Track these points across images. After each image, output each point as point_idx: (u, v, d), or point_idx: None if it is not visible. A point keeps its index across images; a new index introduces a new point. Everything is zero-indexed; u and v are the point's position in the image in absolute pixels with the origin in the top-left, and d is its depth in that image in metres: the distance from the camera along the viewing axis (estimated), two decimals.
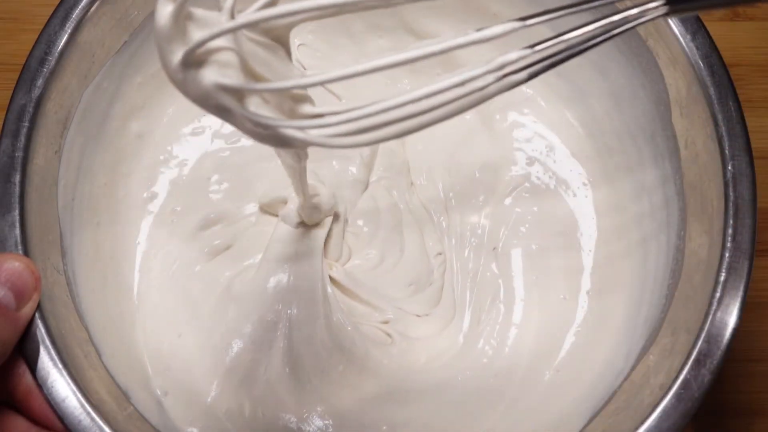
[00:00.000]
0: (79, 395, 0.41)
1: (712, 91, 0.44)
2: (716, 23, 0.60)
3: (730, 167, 0.43)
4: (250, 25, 0.31)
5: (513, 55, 0.30)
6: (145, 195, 0.54)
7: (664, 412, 0.40)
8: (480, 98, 0.30)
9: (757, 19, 0.62)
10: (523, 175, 0.56)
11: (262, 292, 0.51)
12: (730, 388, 0.54)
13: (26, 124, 0.45)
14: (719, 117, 0.44)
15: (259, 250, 0.53)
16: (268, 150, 0.56)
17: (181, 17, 0.31)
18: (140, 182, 0.54)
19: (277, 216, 0.54)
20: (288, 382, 0.49)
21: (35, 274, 0.41)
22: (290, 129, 0.32)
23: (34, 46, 0.46)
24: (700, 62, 0.45)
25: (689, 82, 0.45)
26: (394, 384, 0.50)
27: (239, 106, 0.32)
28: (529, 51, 0.30)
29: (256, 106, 0.32)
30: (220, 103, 0.32)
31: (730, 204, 0.43)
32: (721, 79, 0.45)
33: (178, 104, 0.56)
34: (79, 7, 0.47)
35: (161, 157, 0.55)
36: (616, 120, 0.53)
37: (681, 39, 0.46)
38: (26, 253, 0.43)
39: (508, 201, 0.55)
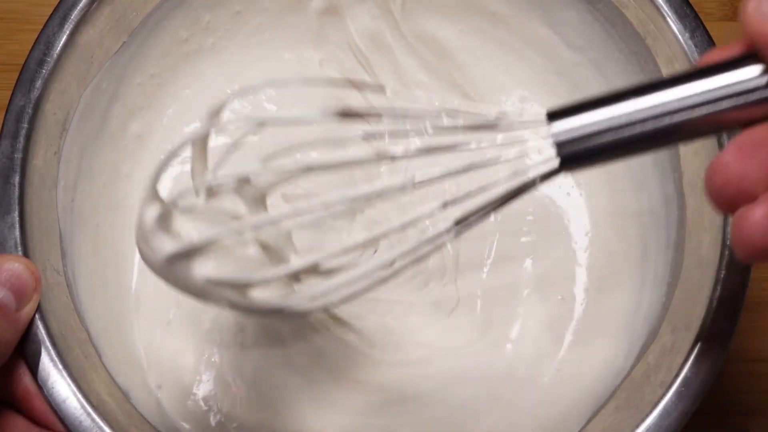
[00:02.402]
0: (80, 396, 0.41)
1: None
2: (716, 23, 0.60)
3: None
4: (255, 228, 0.35)
5: (442, 226, 0.33)
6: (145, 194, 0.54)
7: (665, 410, 0.40)
8: (419, 256, 0.34)
9: None
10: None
11: None
12: (730, 388, 0.54)
13: (25, 125, 0.45)
14: None
15: None
16: (270, 140, 0.56)
17: (167, 214, 0.33)
18: (141, 182, 0.54)
19: None
20: (279, 378, 0.49)
21: (35, 275, 0.41)
22: (299, 304, 0.34)
23: (32, 47, 0.46)
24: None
25: None
26: (396, 386, 0.50)
27: (239, 296, 0.34)
28: (451, 225, 0.34)
29: (257, 291, 0.35)
30: (209, 293, 0.33)
31: None
32: None
33: (178, 105, 0.56)
34: (78, 8, 0.47)
35: (161, 157, 0.55)
36: None
37: (680, 37, 0.46)
38: (26, 254, 0.43)
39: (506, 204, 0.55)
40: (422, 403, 0.50)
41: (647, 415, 0.40)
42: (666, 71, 0.47)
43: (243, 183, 0.36)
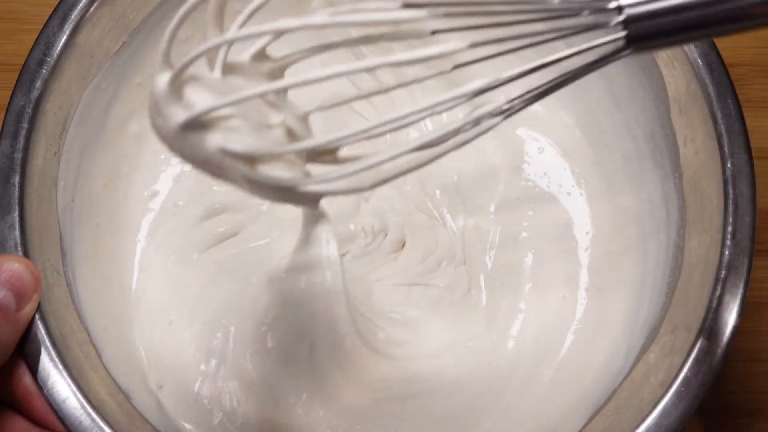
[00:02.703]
0: (80, 396, 0.41)
1: (711, 89, 0.44)
2: None
3: (729, 165, 0.43)
4: (264, 94, 0.32)
5: (489, 107, 0.31)
6: (145, 194, 0.54)
7: (665, 410, 0.40)
8: (461, 142, 0.33)
9: None
10: (517, 176, 0.55)
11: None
12: (730, 388, 0.54)
13: (25, 125, 0.45)
14: (718, 115, 0.44)
15: (270, 234, 0.52)
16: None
17: (179, 81, 0.31)
18: (141, 182, 0.54)
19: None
20: (279, 376, 0.49)
21: (35, 275, 0.41)
22: (310, 185, 0.33)
23: (32, 47, 0.46)
24: (699, 60, 0.45)
25: (688, 80, 0.45)
26: (400, 382, 0.50)
27: (251, 170, 0.32)
28: (504, 101, 0.32)
29: (268, 167, 0.33)
30: (224, 167, 0.32)
31: (730, 201, 0.43)
32: (720, 77, 0.45)
33: None
34: (78, 8, 0.47)
35: (162, 157, 0.55)
36: (615, 118, 0.53)
37: None
38: (26, 254, 0.43)
39: (505, 202, 0.55)
40: (424, 402, 0.50)
41: (647, 415, 0.40)
42: (666, 71, 0.47)
43: (261, 56, 0.34)
